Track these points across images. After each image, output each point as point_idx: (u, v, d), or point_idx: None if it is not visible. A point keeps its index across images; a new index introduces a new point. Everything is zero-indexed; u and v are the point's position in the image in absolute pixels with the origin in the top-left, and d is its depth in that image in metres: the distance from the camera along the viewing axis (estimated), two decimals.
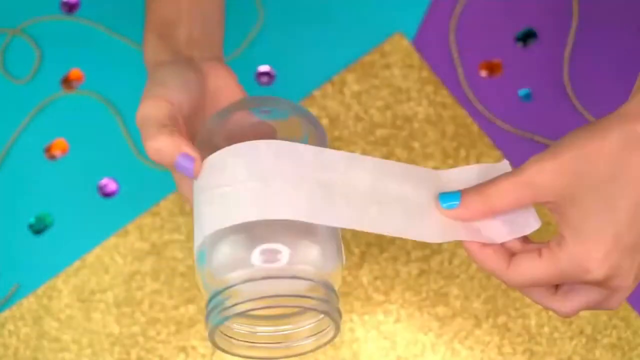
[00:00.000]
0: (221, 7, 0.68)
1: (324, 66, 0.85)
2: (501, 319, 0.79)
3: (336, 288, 0.56)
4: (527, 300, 0.80)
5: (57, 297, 0.81)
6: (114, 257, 0.81)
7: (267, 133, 0.58)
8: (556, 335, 0.79)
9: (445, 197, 0.57)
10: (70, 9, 0.87)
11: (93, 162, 0.84)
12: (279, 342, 0.58)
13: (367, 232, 0.81)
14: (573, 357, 0.79)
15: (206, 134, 0.58)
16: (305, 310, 0.56)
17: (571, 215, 0.53)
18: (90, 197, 0.83)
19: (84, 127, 0.84)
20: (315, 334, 0.57)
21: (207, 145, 0.58)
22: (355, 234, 0.81)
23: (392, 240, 0.81)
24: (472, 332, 0.79)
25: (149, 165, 0.83)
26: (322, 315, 0.57)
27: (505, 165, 0.58)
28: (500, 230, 0.56)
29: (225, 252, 0.54)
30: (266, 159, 0.55)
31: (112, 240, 0.82)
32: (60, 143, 0.84)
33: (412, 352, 0.79)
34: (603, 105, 0.84)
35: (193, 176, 0.56)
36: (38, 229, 0.82)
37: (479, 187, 0.55)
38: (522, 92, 0.84)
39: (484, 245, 0.56)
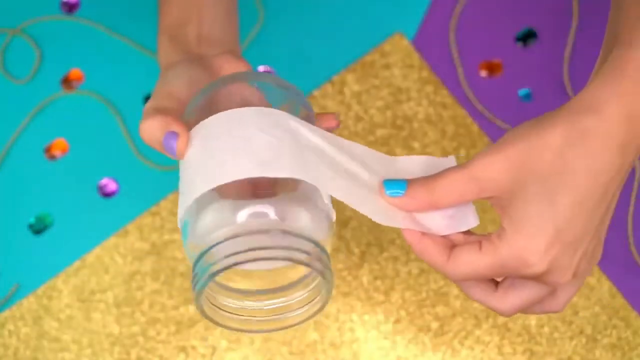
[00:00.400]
0: (233, 2, 0.68)
1: (324, 66, 0.85)
2: (501, 319, 0.79)
3: (327, 250, 0.54)
4: None
5: (57, 297, 0.81)
6: (114, 257, 0.81)
7: (258, 99, 0.57)
8: (556, 335, 0.79)
9: (390, 184, 0.56)
10: (70, 9, 0.87)
11: (93, 162, 0.84)
12: (269, 315, 0.56)
13: (367, 232, 0.81)
14: (573, 357, 0.79)
15: (194, 108, 0.57)
16: (296, 279, 0.55)
17: (513, 209, 0.53)
18: (90, 197, 0.83)
19: (84, 127, 0.84)
20: (306, 304, 0.55)
21: (195, 119, 0.57)
22: (355, 234, 0.81)
23: (392, 240, 0.81)
24: (472, 332, 0.79)
25: (149, 165, 0.83)
26: (312, 285, 0.55)
27: (451, 160, 0.58)
28: (439, 224, 0.56)
29: (208, 217, 0.52)
30: (249, 122, 0.54)
31: (112, 240, 0.82)
32: (60, 143, 0.84)
33: (412, 352, 0.79)
34: None
35: (177, 156, 0.55)
36: (38, 229, 0.82)
37: (426, 180, 0.55)
38: (522, 92, 0.84)
39: (424, 235, 0.55)
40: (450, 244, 0.56)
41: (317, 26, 0.86)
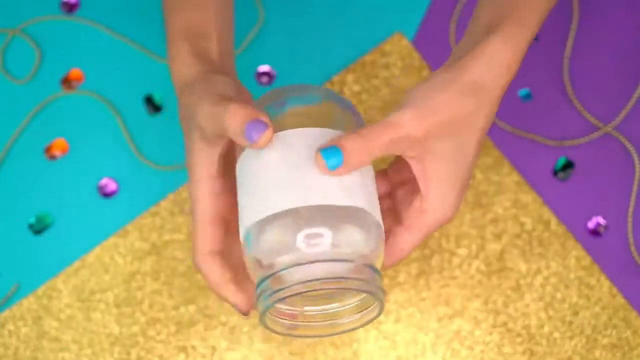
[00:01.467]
0: (233, 15, 0.68)
1: (324, 66, 0.85)
2: (501, 319, 0.79)
3: (378, 266, 0.57)
4: (527, 300, 0.80)
5: (57, 297, 0.81)
6: (114, 257, 0.81)
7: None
8: (556, 335, 0.79)
9: (326, 153, 0.57)
10: (70, 9, 0.87)
11: (93, 162, 0.84)
12: (325, 321, 0.59)
13: None
14: (573, 357, 0.79)
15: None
16: (348, 290, 0.58)
17: (433, 172, 0.59)
18: (90, 197, 0.83)
19: (84, 127, 0.84)
20: (361, 311, 0.59)
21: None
22: None
23: None
24: (472, 332, 0.79)
25: (149, 165, 0.83)
26: (364, 295, 0.59)
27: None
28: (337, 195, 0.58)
29: (273, 234, 0.56)
30: (301, 148, 0.57)
31: (112, 240, 0.82)
32: (60, 143, 0.84)
33: (412, 352, 0.79)
34: (603, 104, 0.84)
35: (257, 145, 0.56)
36: (38, 229, 0.82)
37: (363, 142, 0.57)
38: (522, 92, 0.84)
39: None
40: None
41: (317, 26, 0.86)
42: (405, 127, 0.57)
